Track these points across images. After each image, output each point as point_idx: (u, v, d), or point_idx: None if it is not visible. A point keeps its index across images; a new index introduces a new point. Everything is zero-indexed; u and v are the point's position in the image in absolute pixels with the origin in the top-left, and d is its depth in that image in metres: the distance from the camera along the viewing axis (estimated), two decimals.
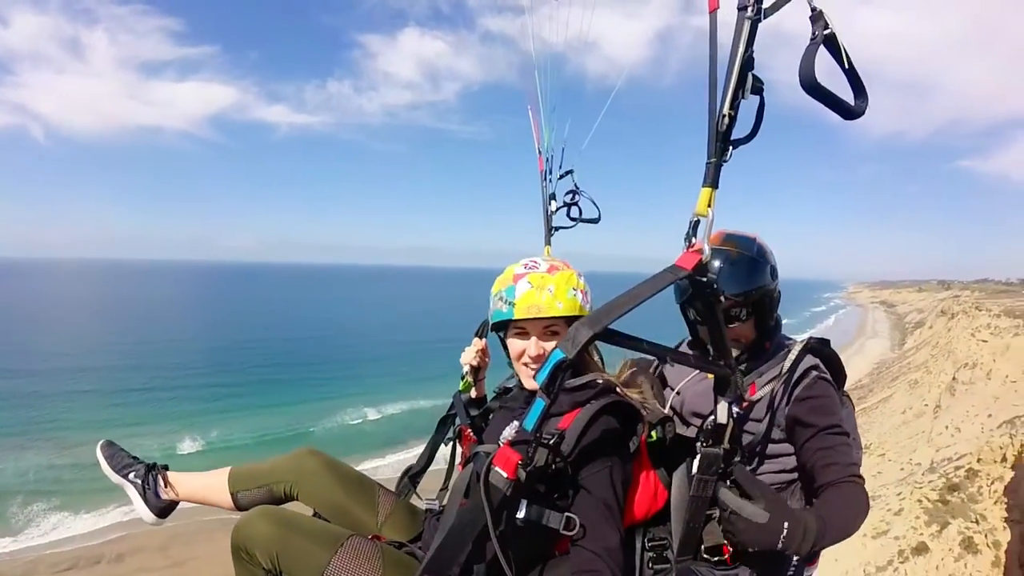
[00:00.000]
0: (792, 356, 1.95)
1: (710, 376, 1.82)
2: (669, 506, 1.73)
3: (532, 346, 1.74)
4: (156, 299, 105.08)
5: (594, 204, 2.87)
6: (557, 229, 2.90)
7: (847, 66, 1.33)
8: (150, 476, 2.22)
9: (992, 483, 13.39)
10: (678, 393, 2.24)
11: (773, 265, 2.14)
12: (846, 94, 1.35)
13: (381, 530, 2.04)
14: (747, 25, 1.31)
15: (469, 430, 2.11)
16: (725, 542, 1.67)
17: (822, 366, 1.99)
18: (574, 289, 1.75)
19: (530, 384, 1.78)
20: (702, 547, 1.68)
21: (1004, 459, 13.60)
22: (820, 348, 2.04)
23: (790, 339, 2.16)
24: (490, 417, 2.06)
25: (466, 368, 2.36)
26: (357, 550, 1.69)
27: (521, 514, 1.43)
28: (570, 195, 2.86)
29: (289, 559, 1.66)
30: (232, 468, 2.22)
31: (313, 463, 2.12)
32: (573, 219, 2.88)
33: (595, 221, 2.87)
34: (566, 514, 1.47)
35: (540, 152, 2.97)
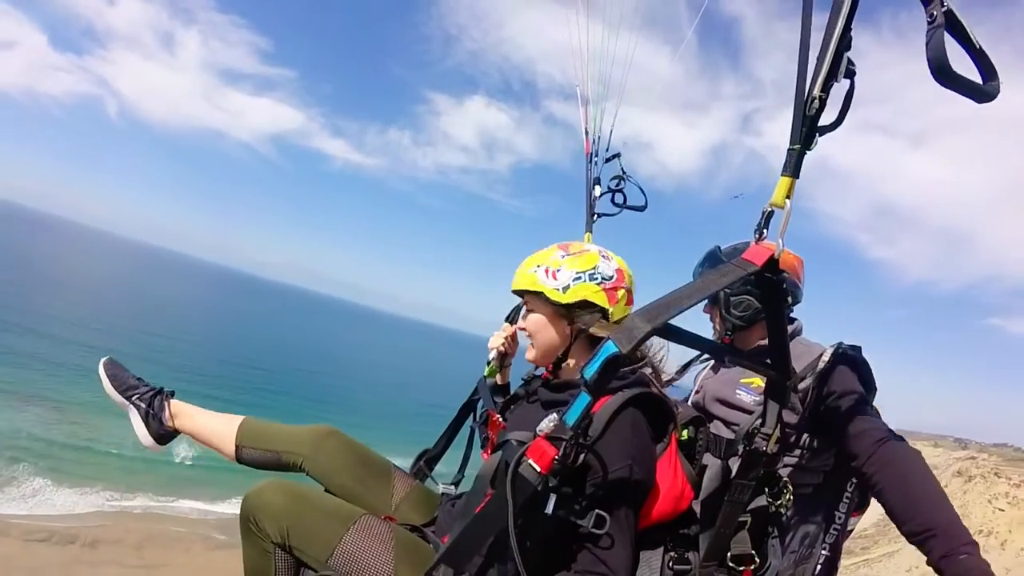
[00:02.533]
0: (825, 359, 1.91)
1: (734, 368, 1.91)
2: (694, 507, 1.70)
3: (520, 319, 1.80)
4: (178, 293, 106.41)
5: (641, 191, 2.72)
6: (600, 216, 2.76)
7: (977, 47, 1.21)
8: (155, 400, 2.15)
9: None
10: (698, 391, 2.23)
11: (796, 282, 2.19)
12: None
13: (395, 512, 1.99)
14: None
15: (497, 416, 2.01)
16: (753, 552, 1.62)
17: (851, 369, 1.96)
18: (538, 266, 1.72)
19: (527, 356, 1.83)
20: (728, 555, 1.63)
21: None
22: (853, 355, 1.97)
23: (812, 343, 2.10)
24: (514, 405, 2.01)
25: (493, 353, 2.30)
26: (370, 529, 1.65)
27: (549, 509, 1.36)
28: (616, 180, 2.74)
29: (300, 533, 1.62)
30: (245, 419, 2.17)
31: (333, 442, 2.07)
32: (618, 205, 2.75)
33: (641, 209, 2.73)
34: (596, 511, 1.40)
35: (587, 133, 2.83)
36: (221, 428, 2.14)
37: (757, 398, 1.94)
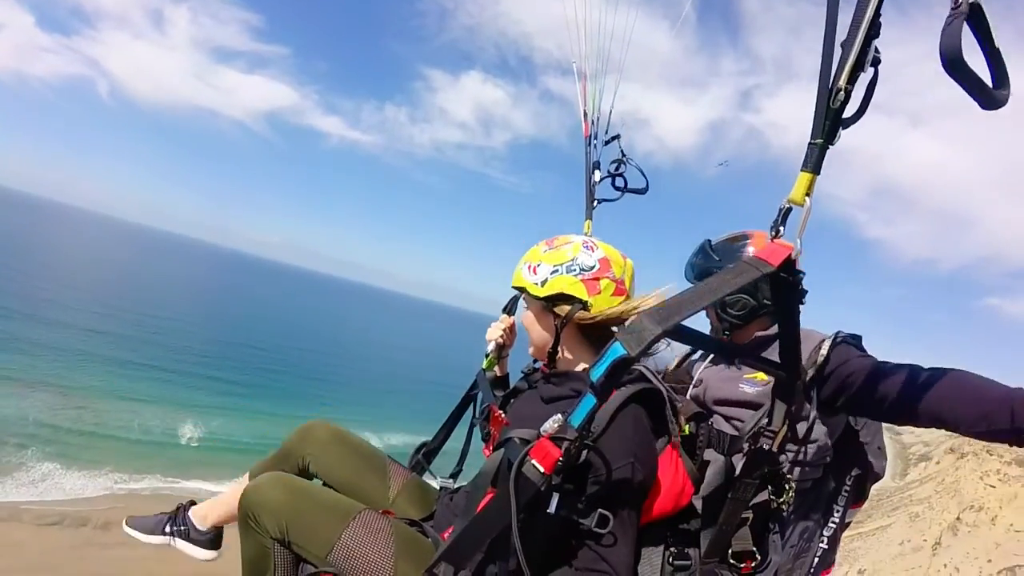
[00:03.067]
0: (823, 352, 1.84)
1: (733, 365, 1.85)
2: (694, 503, 1.68)
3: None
4: (177, 274, 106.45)
5: (642, 173, 2.67)
6: (600, 202, 2.70)
7: (994, 47, 1.12)
8: (180, 518, 2.16)
9: None
10: (697, 384, 2.17)
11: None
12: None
13: (392, 505, 1.98)
14: None
15: (499, 411, 1.98)
16: (754, 549, 1.63)
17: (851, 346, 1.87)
18: (529, 263, 1.73)
19: (529, 350, 1.86)
20: (730, 551, 1.63)
21: None
22: (854, 343, 1.89)
23: (810, 331, 1.97)
24: (514, 399, 1.99)
25: (491, 345, 2.27)
26: (369, 524, 1.65)
27: (552, 509, 1.36)
28: (615, 164, 2.68)
29: (300, 528, 1.61)
30: (250, 470, 2.16)
31: (322, 432, 2.06)
32: (619, 189, 2.69)
33: (642, 192, 2.69)
34: (599, 510, 1.39)
35: (586, 115, 2.76)
36: (238, 491, 2.15)
37: (760, 389, 1.91)
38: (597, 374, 1.17)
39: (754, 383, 1.97)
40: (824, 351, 1.83)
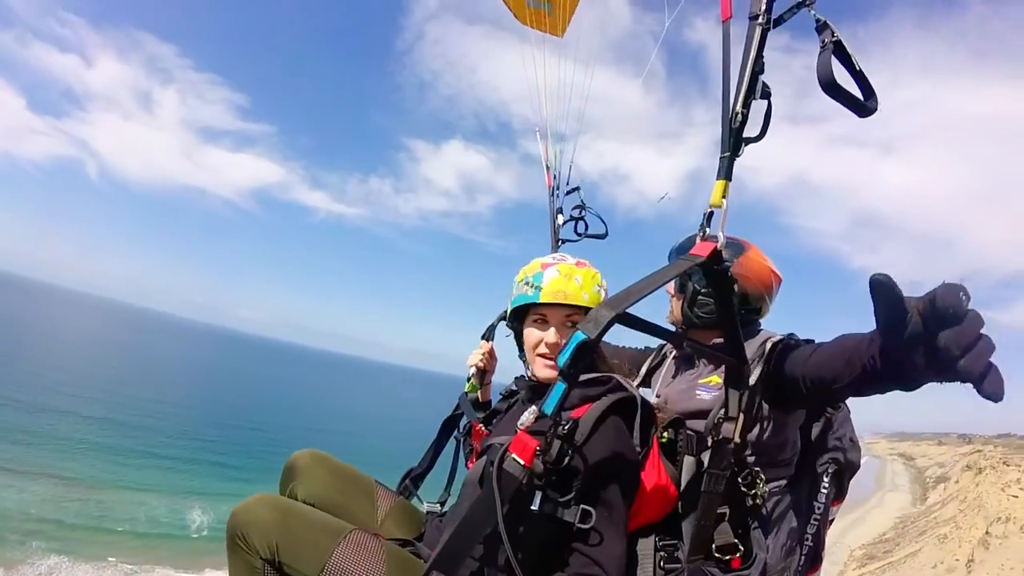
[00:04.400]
0: (770, 345, 1.86)
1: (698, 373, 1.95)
2: (678, 507, 1.70)
3: (551, 334, 1.71)
4: (170, 355, 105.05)
5: (601, 220, 2.88)
6: (564, 242, 2.93)
7: (857, 69, 1.42)
8: None
9: None
10: (657, 396, 2.21)
11: (772, 287, 2.15)
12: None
13: (381, 528, 1.97)
14: (758, 32, 1.41)
15: (480, 425, 2.03)
16: (737, 541, 1.65)
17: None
18: (599, 285, 1.76)
19: (543, 374, 1.75)
20: (713, 546, 1.66)
21: None
22: (801, 341, 1.91)
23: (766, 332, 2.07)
24: (495, 419, 2.02)
25: (472, 370, 2.33)
26: (361, 544, 1.62)
27: (535, 506, 1.38)
28: (577, 210, 2.90)
29: (290, 548, 1.58)
30: None
31: (310, 460, 2.05)
32: (579, 234, 2.89)
33: (602, 236, 2.88)
34: (582, 506, 1.42)
35: (548, 168, 3.07)
36: None
37: (716, 394, 1.91)
38: (563, 359, 1.26)
39: (708, 388, 1.98)
40: (769, 346, 1.84)
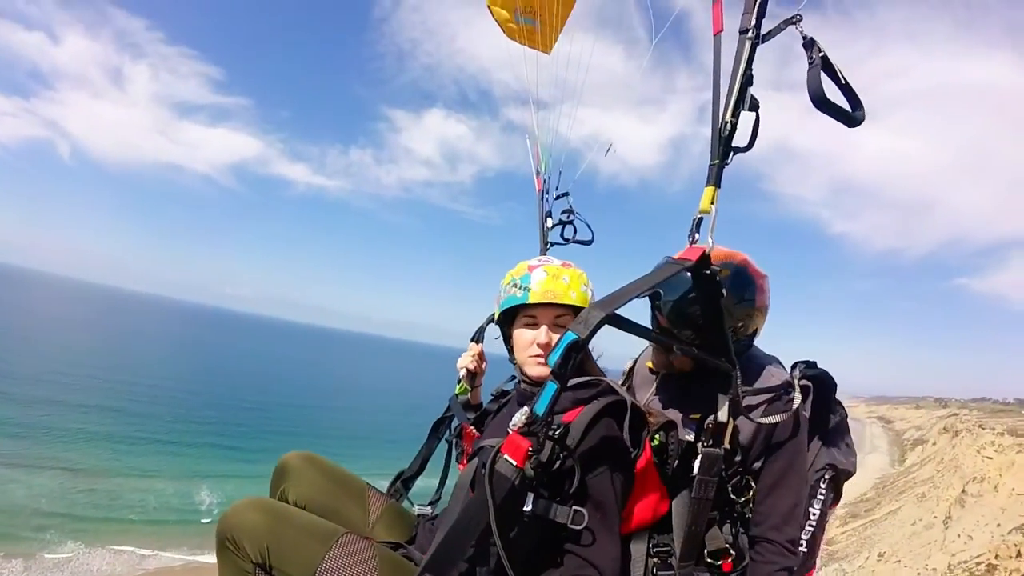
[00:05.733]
0: (796, 400, 1.80)
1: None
2: (670, 510, 1.71)
3: (542, 334, 1.71)
4: (155, 336, 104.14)
5: (588, 227, 2.89)
6: (552, 245, 2.93)
7: (843, 82, 1.48)
8: None
9: (1010, 573, 14.53)
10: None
11: (759, 287, 1.94)
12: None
13: (372, 531, 1.95)
14: (747, 46, 1.45)
15: (471, 428, 2.01)
16: (728, 547, 1.67)
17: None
18: (585, 285, 1.77)
19: (535, 372, 1.73)
20: (705, 552, 1.65)
21: (1019, 555, 14.85)
22: (816, 382, 1.95)
23: (771, 360, 2.01)
24: (486, 420, 2.03)
25: (462, 372, 2.32)
26: (352, 548, 1.61)
27: (528, 507, 1.38)
28: (566, 214, 2.91)
29: (281, 552, 1.57)
30: None
31: (302, 462, 2.04)
32: (566, 239, 2.89)
33: (588, 243, 2.88)
34: (574, 508, 1.43)
35: (538, 172, 3.05)
36: None
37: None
38: (553, 359, 1.28)
39: (695, 427, 1.91)
40: (796, 402, 1.78)
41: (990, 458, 27.95)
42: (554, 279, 1.72)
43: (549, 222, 2.94)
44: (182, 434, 36.18)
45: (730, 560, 1.69)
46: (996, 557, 16.34)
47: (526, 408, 1.36)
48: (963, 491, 27.05)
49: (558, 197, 2.96)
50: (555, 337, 1.70)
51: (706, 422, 1.61)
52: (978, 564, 16.90)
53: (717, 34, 1.50)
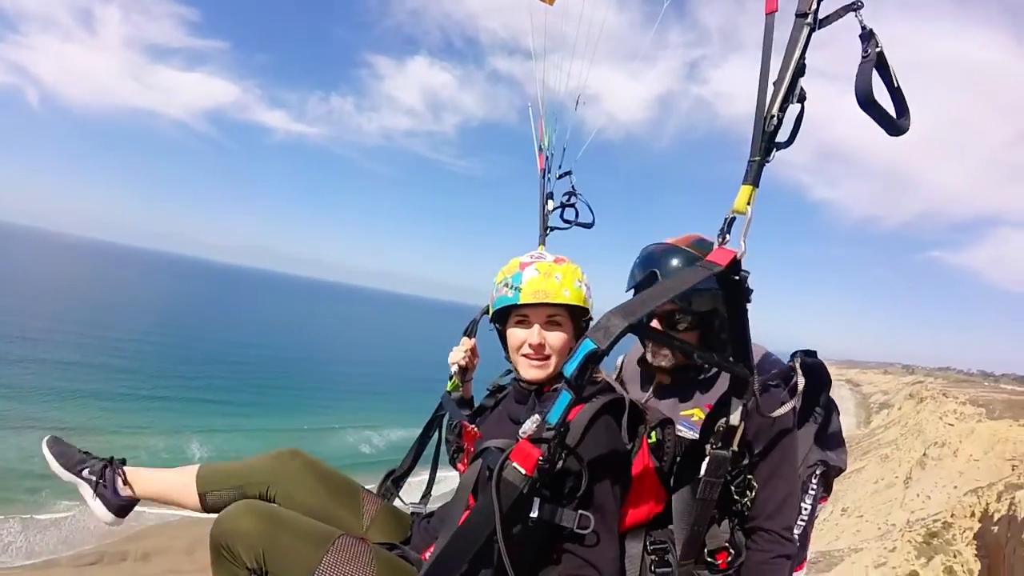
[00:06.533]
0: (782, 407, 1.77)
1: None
2: (670, 508, 1.71)
3: (534, 334, 1.68)
4: (136, 289, 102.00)
5: (589, 209, 2.80)
6: (552, 229, 2.84)
7: (895, 85, 1.36)
8: (106, 472, 2.03)
9: (964, 532, 16.45)
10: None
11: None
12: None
13: (367, 534, 1.94)
14: (805, 31, 1.31)
15: (472, 426, 1.97)
16: (727, 546, 1.68)
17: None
18: (579, 281, 1.73)
19: (527, 374, 1.72)
20: (705, 551, 1.67)
21: (973, 515, 16.58)
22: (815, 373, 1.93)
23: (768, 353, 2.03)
24: (482, 416, 2.00)
25: (454, 368, 2.29)
26: (348, 550, 1.60)
27: (535, 513, 1.38)
28: (567, 196, 2.81)
29: (276, 558, 1.55)
30: (201, 466, 2.05)
31: (295, 464, 2.00)
32: (568, 222, 2.81)
33: (589, 226, 2.82)
34: (580, 511, 1.42)
35: (541, 149, 2.89)
36: (180, 482, 2.01)
37: (694, 434, 1.88)
38: (570, 370, 1.21)
39: (690, 424, 1.94)
40: (781, 410, 1.75)
41: (951, 425, 29.83)
42: (545, 277, 1.69)
43: (550, 204, 2.84)
44: (167, 389, 36.21)
45: (727, 557, 1.70)
46: (952, 516, 17.98)
47: (537, 416, 1.36)
48: (924, 454, 28.95)
49: (560, 176, 2.86)
50: (548, 336, 1.69)
51: (716, 424, 1.56)
52: (935, 522, 18.61)
53: (770, 13, 1.35)
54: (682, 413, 1.97)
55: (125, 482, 2.02)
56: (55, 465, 2.05)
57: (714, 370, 1.92)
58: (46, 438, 2.10)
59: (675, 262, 1.86)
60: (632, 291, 1.96)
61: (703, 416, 1.84)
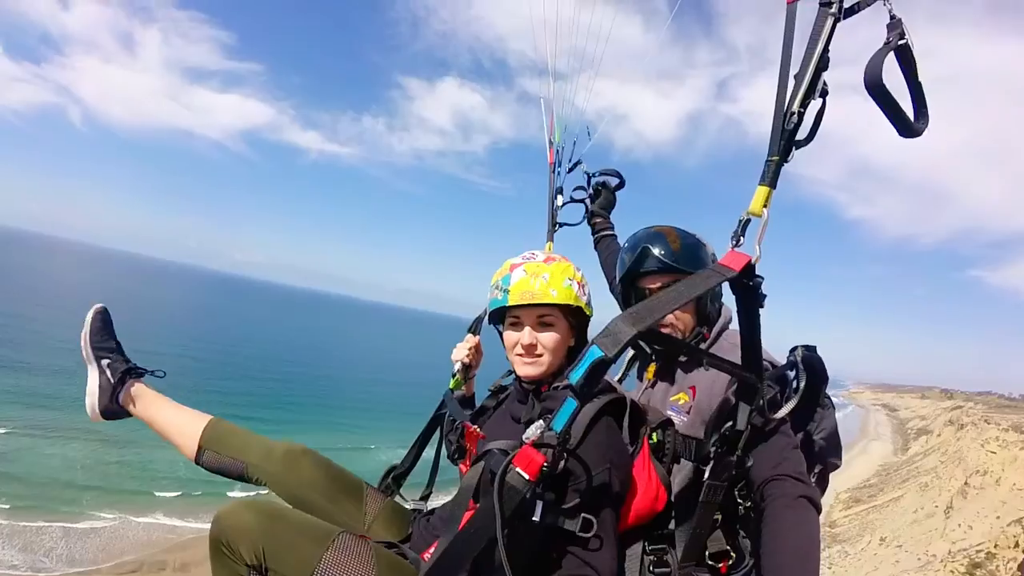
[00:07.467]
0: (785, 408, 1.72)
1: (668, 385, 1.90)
2: (669, 508, 1.70)
3: (525, 335, 1.68)
4: (168, 303, 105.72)
5: (617, 174, 2.80)
6: (560, 226, 2.78)
7: (916, 81, 1.27)
8: (124, 378, 2.04)
9: (1007, 562, 15.85)
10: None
11: (713, 253, 1.98)
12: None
13: (369, 531, 1.95)
14: (829, 22, 1.24)
15: (475, 427, 1.94)
16: (728, 548, 1.65)
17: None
18: (569, 279, 1.71)
19: (523, 372, 1.72)
20: (706, 553, 1.65)
21: (1016, 545, 15.93)
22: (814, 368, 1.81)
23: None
24: (483, 417, 2.00)
25: (457, 365, 2.27)
26: (349, 548, 1.58)
27: (537, 517, 1.36)
28: (579, 191, 2.82)
29: (277, 554, 1.54)
30: (214, 419, 2.05)
31: (305, 461, 2.00)
32: (591, 182, 2.81)
33: (617, 177, 2.84)
34: (583, 515, 1.42)
35: (551, 143, 2.84)
36: (185, 423, 2.02)
37: (684, 418, 1.88)
38: (576, 377, 1.20)
39: (677, 409, 1.92)
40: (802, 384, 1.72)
41: (994, 453, 28.55)
42: (533, 278, 1.68)
43: (559, 199, 2.80)
44: (207, 405, 35.29)
45: (728, 562, 1.68)
46: (995, 547, 17.30)
47: (542, 422, 1.36)
48: (966, 483, 27.78)
49: (571, 169, 2.83)
50: (540, 336, 1.69)
51: (723, 428, 1.57)
52: (978, 552, 17.74)
53: (792, 3, 1.29)
54: (671, 398, 1.96)
55: (131, 395, 2.07)
56: (84, 336, 2.11)
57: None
58: (97, 305, 2.16)
59: (656, 251, 1.92)
60: (622, 280, 2.02)
61: (688, 400, 1.86)
